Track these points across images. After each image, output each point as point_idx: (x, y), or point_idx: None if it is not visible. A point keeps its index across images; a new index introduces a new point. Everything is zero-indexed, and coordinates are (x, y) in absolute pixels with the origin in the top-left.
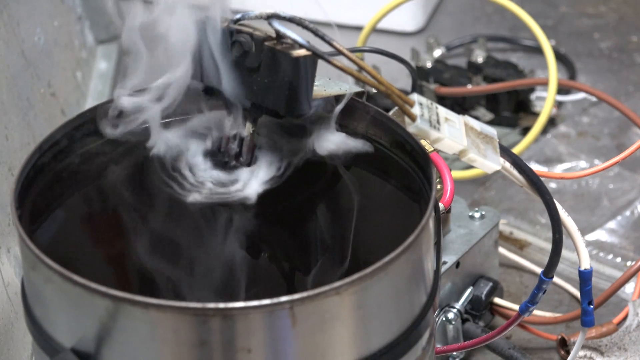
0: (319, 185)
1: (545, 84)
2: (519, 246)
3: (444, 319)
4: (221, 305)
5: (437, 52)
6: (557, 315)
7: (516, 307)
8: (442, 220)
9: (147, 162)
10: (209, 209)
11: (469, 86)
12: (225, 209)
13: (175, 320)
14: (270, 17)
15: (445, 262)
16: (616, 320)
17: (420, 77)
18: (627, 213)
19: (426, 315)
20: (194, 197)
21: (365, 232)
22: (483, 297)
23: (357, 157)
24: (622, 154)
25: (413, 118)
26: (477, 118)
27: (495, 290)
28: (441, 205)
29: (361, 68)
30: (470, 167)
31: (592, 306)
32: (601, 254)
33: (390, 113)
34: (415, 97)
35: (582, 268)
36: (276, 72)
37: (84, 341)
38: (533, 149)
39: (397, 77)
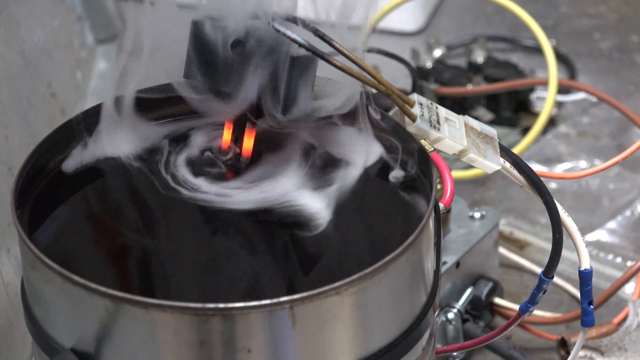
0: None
1: (545, 84)
2: (519, 246)
3: (444, 319)
4: (221, 305)
5: (437, 52)
6: (557, 315)
7: (516, 307)
8: (442, 220)
9: (148, 162)
10: (208, 209)
11: (469, 86)
12: (225, 210)
13: (175, 320)
14: (270, 16)
15: (445, 262)
16: (616, 320)
17: (420, 77)
18: (627, 213)
19: (426, 315)
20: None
21: (366, 232)
22: (483, 297)
23: None
24: (622, 154)
25: (413, 118)
26: (477, 118)
27: (495, 290)
28: (441, 205)
29: (361, 68)
30: (470, 167)
31: (592, 306)
32: (601, 254)
33: (390, 113)
34: (415, 97)
35: (582, 268)
36: (276, 72)
37: (84, 341)
38: (533, 149)
39: (397, 77)
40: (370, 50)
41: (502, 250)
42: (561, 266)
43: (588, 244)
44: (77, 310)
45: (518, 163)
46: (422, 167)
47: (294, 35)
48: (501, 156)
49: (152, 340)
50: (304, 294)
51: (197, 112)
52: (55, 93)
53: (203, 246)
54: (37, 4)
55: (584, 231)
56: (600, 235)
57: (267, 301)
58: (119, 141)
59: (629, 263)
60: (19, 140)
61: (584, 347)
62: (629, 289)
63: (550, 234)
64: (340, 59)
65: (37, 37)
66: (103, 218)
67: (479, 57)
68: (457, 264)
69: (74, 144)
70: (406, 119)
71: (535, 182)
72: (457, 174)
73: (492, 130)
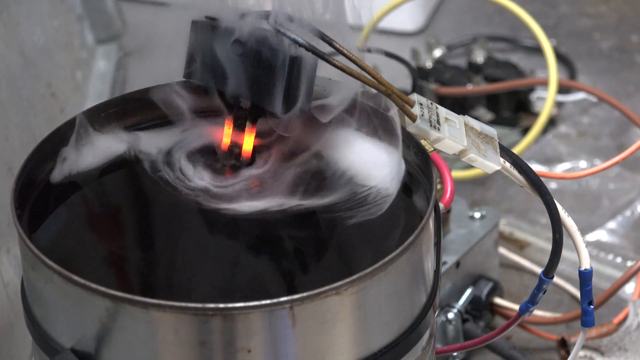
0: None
1: (545, 84)
2: (519, 246)
3: (444, 319)
4: (221, 305)
5: (437, 52)
6: (557, 315)
7: (516, 307)
8: (442, 220)
9: (147, 162)
10: (208, 209)
11: (469, 86)
12: (225, 210)
13: (175, 320)
14: (270, 16)
15: (445, 262)
16: (616, 320)
17: (420, 77)
18: (627, 213)
19: (426, 316)
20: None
21: (366, 231)
22: (483, 297)
23: None
24: (622, 154)
25: (413, 118)
26: (477, 118)
27: (496, 290)
28: (441, 205)
29: (361, 68)
30: (470, 167)
31: (592, 306)
32: (601, 254)
33: (390, 113)
34: (415, 97)
35: (582, 268)
36: (276, 71)
37: (84, 341)
38: (533, 149)
39: (397, 77)
40: (370, 50)
41: (502, 250)
42: (561, 266)
43: (588, 244)
44: (77, 310)
45: (518, 163)
46: (422, 167)
47: (294, 35)
48: (501, 156)
49: (152, 340)
50: (304, 294)
51: (197, 112)
52: (55, 93)
53: (203, 246)
54: (37, 4)
55: (584, 231)
56: (600, 235)
57: (267, 301)
58: (119, 141)
59: (629, 263)
60: (19, 140)
61: (584, 347)
62: (629, 289)
63: (550, 234)
64: (340, 59)
65: (37, 37)
66: (103, 218)
67: (479, 57)
68: (457, 264)
69: (73, 145)
70: (406, 119)
71: (535, 182)
72: (457, 174)
73: (492, 130)
